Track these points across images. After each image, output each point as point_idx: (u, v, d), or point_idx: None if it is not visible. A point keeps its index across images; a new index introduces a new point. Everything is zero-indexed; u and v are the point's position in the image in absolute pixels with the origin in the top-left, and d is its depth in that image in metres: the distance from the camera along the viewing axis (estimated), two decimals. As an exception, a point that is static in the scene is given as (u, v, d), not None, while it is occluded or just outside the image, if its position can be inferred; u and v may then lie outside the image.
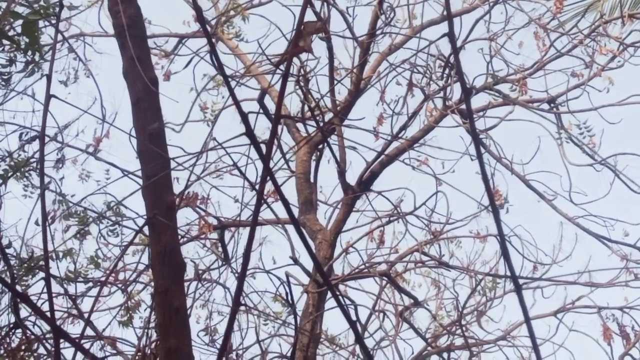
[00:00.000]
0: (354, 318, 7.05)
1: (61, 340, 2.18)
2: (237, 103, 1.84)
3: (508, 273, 7.40)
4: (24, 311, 5.86)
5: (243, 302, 5.58)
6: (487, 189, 2.00)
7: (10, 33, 5.49)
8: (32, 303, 2.14)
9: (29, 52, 5.91)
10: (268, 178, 1.92)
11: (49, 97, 2.24)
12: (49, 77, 2.30)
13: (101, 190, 6.85)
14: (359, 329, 6.53)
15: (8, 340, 5.74)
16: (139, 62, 3.18)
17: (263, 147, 2.00)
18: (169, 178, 3.21)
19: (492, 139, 7.53)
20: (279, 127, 7.43)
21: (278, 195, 1.81)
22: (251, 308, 5.77)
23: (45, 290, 5.94)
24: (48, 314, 2.26)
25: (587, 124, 7.57)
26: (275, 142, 7.19)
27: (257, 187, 5.40)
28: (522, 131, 7.75)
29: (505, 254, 1.98)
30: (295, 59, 6.70)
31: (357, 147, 7.14)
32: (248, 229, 6.81)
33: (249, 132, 1.81)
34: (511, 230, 7.36)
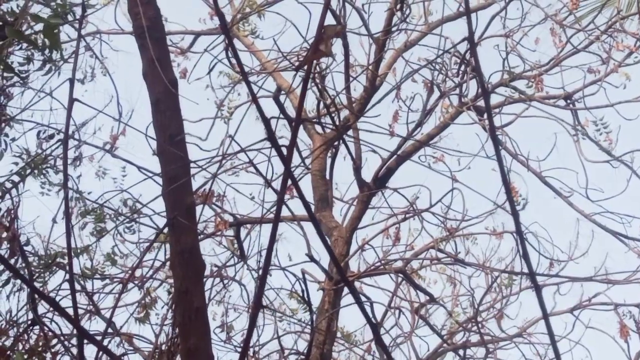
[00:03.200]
0: (370, 315, 7.04)
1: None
2: (259, 107, 1.85)
3: (526, 271, 7.40)
4: (42, 308, 5.91)
5: (265, 304, 5.59)
6: (506, 190, 2.01)
7: (28, 32, 5.53)
8: (56, 303, 2.16)
9: (47, 51, 5.95)
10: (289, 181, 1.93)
11: (72, 101, 2.26)
12: (71, 82, 2.31)
13: (118, 188, 6.91)
14: (378, 329, 6.52)
15: (26, 337, 5.79)
16: (159, 64, 3.19)
17: (283, 150, 2.01)
18: (189, 180, 3.22)
19: (508, 135, 7.52)
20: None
21: (299, 197, 1.83)
22: (269, 308, 5.78)
23: (62, 286, 5.99)
24: (71, 312, 2.28)
25: (604, 121, 7.54)
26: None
27: (274, 186, 5.42)
28: (538, 128, 7.74)
29: (524, 253, 1.99)
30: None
31: (374, 148, 7.13)
32: (264, 225, 6.83)
33: (271, 136, 1.83)
34: (527, 227, 7.35)
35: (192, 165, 3.22)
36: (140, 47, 3.33)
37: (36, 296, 4.70)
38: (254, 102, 1.87)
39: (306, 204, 1.96)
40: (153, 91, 3.28)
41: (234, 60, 7.65)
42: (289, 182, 1.90)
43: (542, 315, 2.17)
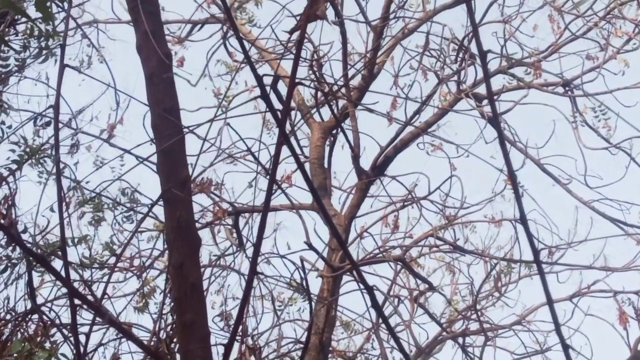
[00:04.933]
0: (369, 304, 7.02)
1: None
2: (252, 68, 1.83)
3: (525, 259, 7.40)
4: (41, 298, 5.90)
5: (260, 270, 5.57)
6: (508, 167, 1.99)
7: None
8: (47, 263, 2.15)
9: (42, 38, 5.93)
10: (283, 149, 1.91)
11: (63, 67, 2.24)
12: (62, 47, 2.29)
13: (115, 177, 6.88)
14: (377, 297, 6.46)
15: (25, 326, 5.78)
16: (153, 37, 3.17)
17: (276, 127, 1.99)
18: (184, 153, 3.21)
19: (506, 122, 7.50)
20: (291, 112, 7.42)
21: (295, 162, 1.80)
22: (264, 274, 5.75)
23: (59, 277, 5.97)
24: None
25: (602, 107, 7.52)
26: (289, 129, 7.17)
27: (270, 169, 5.39)
28: (537, 115, 7.72)
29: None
30: (307, 45, 6.67)
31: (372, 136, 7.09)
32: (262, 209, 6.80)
33: (264, 95, 1.80)
34: (526, 214, 7.31)
35: (186, 130, 3.19)
36: (134, 22, 3.31)
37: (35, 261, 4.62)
38: (247, 64, 1.85)
39: (302, 168, 1.94)
40: (147, 65, 3.26)
41: (231, 49, 7.65)
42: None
43: (542, 284, 2.15)
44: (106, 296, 5.98)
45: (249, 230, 7.25)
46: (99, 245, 7.31)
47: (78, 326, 2.91)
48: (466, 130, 7.51)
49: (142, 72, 3.52)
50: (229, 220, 7.43)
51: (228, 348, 2.33)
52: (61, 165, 6.44)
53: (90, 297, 6.56)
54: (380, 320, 6.95)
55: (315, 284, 6.95)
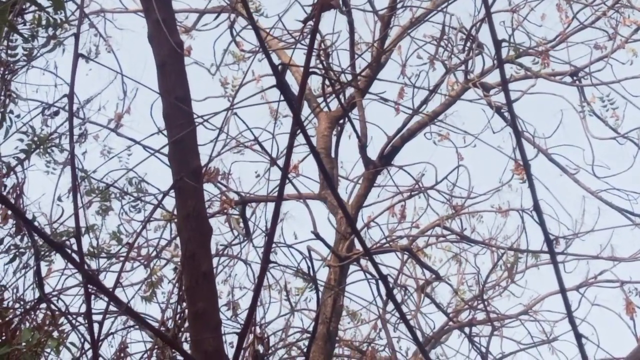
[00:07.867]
0: (376, 292, 7.03)
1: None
2: (268, 56, 1.82)
3: (530, 245, 7.40)
4: (48, 287, 5.92)
5: (274, 259, 5.58)
6: (518, 141, 1.99)
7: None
8: (59, 245, 2.16)
9: (50, 28, 5.93)
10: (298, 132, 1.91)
11: (77, 56, 2.24)
12: (76, 36, 2.29)
13: (124, 167, 6.89)
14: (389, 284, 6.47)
15: (33, 315, 5.80)
16: (164, 25, 3.17)
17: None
18: (195, 142, 3.21)
19: (514, 112, 7.47)
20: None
21: (308, 146, 1.80)
22: (280, 265, 5.77)
23: (68, 265, 5.98)
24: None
25: (610, 97, 7.51)
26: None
27: (278, 161, 5.39)
28: (545, 104, 7.71)
29: (536, 206, 1.97)
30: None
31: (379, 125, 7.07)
32: (269, 204, 6.80)
33: (280, 84, 1.80)
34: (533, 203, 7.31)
35: (197, 120, 3.18)
36: (146, 10, 3.31)
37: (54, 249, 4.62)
38: (263, 53, 1.85)
39: (316, 153, 1.93)
40: (159, 54, 3.26)
41: (239, 38, 7.65)
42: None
43: (555, 273, 2.15)
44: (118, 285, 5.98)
45: (255, 220, 7.27)
46: (106, 235, 7.33)
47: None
48: (474, 120, 7.51)
49: (149, 61, 3.53)
50: (236, 210, 7.44)
51: (241, 337, 2.33)
52: (68, 155, 6.45)
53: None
54: (391, 309, 6.96)
55: (322, 274, 6.97)
